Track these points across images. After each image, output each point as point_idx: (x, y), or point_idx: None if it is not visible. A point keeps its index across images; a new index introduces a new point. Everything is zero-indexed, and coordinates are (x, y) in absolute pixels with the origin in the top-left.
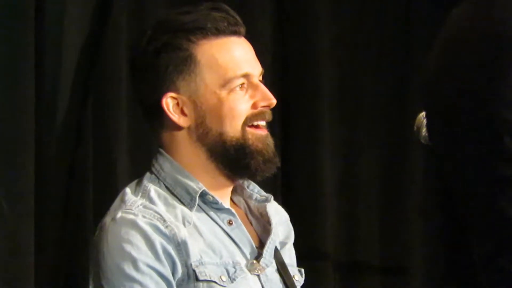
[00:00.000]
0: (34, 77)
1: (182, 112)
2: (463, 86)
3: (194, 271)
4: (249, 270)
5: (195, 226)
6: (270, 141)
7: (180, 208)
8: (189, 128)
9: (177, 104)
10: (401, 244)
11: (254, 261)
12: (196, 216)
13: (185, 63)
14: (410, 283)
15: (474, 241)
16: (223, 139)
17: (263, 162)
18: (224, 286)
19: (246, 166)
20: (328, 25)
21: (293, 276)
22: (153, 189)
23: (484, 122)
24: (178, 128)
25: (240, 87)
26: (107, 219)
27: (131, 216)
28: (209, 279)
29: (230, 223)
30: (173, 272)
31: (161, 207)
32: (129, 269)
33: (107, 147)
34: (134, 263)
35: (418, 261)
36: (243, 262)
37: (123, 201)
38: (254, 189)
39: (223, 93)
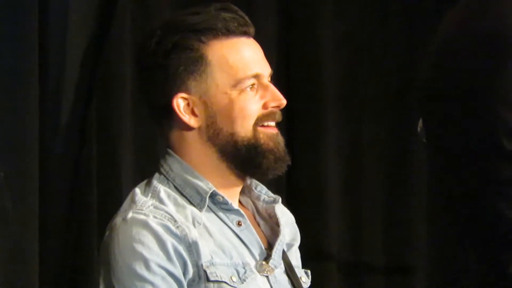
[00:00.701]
0: (38, 77)
1: (193, 113)
2: (461, 86)
3: (205, 271)
4: (258, 271)
5: (205, 227)
6: (281, 139)
7: (190, 209)
8: (199, 128)
9: (188, 104)
10: (406, 245)
11: (263, 262)
12: (205, 217)
13: (196, 63)
14: (414, 284)
15: (474, 242)
16: (235, 139)
17: (275, 161)
18: (234, 287)
19: (258, 165)
20: (332, 25)
21: (300, 277)
22: (163, 190)
23: (482, 122)
24: (188, 128)
25: (251, 87)
26: (118, 219)
27: (142, 217)
28: (219, 279)
29: (239, 224)
30: (184, 273)
31: (171, 208)
32: (140, 269)
33: (111, 148)
34: (146, 263)
35: (422, 262)
36: (252, 263)
37: (133, 201)
38: (262, 190)
39: (234, 93)
